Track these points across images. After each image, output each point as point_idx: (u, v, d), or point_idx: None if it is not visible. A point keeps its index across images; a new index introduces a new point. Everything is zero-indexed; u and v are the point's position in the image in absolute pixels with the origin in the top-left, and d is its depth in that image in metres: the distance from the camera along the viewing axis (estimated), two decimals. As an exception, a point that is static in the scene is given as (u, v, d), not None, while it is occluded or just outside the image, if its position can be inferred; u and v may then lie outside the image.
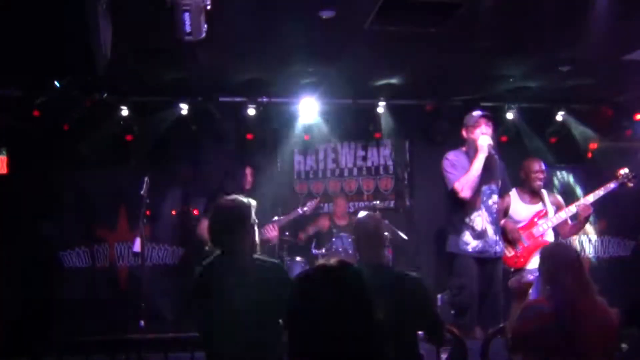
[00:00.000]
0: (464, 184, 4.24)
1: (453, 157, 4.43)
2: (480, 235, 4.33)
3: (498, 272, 4.44)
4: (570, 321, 2.72)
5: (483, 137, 4.30)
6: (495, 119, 6.78)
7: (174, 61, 5.41)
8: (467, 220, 4.35)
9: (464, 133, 4.49)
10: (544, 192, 4.94)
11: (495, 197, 4.44)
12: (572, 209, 4.81)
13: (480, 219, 4.33)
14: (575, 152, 7.21)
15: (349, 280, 2.39)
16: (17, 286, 5.92)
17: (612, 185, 4.85)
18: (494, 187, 4.44)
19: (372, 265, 2.91)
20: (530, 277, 4.29)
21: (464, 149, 4.50)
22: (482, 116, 4.41)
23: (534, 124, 7.18)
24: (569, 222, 4.92)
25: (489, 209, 4.38)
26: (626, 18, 4.54)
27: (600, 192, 4.83)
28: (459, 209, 4.38)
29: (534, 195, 4.92)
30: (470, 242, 4.33)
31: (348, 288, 2.64)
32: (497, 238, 4.39)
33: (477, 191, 4.31)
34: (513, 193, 4.96)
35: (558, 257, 2.90)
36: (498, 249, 4.39)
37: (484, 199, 4.37)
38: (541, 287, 2.92)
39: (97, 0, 3.24)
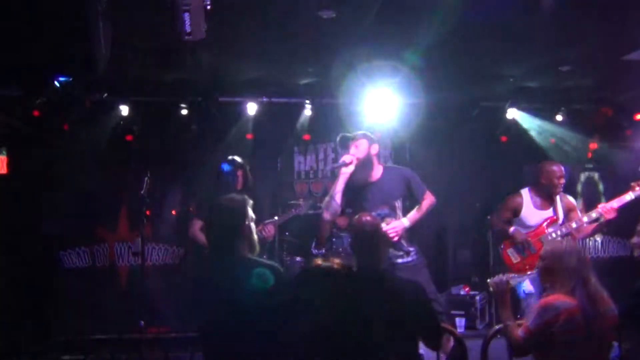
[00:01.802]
0: (324, 205, 4.28)
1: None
2: None
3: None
4: (594, 316, 2.80)
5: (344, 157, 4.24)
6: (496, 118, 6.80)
7: (174, 61, 5.41)
8: None
9: None
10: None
11: (389, 220, 4.27)
12: (585, 219, 4.70)
13: None
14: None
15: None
16: (17, 286, 5.92)
17: (628, 198, 4.66)
18: (386, 210, 4.31)
19: (370, 270, 2.92)
20: (516, 279, 4.13)
21: None
22: (339, 141, 4.42)
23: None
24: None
25: None
26: (626, 18, 4.54)
27: (614, 204, 4.66)
28: None
29: (546, 199, 4.78)
30: None
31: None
32: (407, 256, 4.30)
33: None
34: (525, 194, 4.82)
35: (578, 253, 2.98)
36: (400, 260, 4.29)
37: None
38: (567, 283, 2.91)
39: (97, 0, 3.24)
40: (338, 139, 4.50)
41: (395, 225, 4.23)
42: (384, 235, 3.05)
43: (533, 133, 6.96)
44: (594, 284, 2.88)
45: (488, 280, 3.33)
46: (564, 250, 3.01)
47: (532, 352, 2.95)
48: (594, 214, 4.66)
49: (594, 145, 7.19)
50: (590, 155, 7.26)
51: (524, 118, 6.94)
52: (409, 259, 4.33)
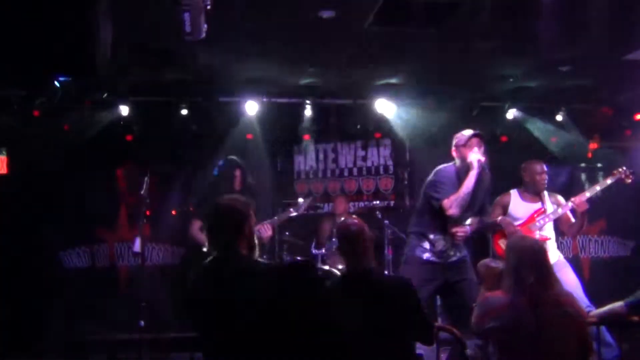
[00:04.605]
0: (452, 201, 4.18)
1: (444, 172, 4.38)
2: (438, 254, 4.30)
3: (460, 274, 4.30)
4: (529, 315, 2.66)
5: (474, 154, 4.22)
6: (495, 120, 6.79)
7: (174, 61, 5.41)
8: (430, 236, 4.31)
9: (454, 153, 4.40)
10: (545, 192, 4.92)
11: (466, 223, 4.38)
12: (569, 204, 4.79)
13: (442, 243, 4.29)
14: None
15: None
16: (17, 286, 5.91)
17: (608, 182, 4.80)
18: (468, 214, 4.37)
19: (357, 272, 2.93)
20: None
21: (454, 165, 4.41)
22: (473, 136, 4.31)
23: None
24: (572, 219, 4.87)
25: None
26: (626, 18, 4.54)
27: (596, 188, 4.77)
28: (429, 221, 4.35)
29: (534, 195, 4.90)
30: (426, 252, 4.30)
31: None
32: (459, 253, 4.33)
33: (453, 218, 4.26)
34: (514, 192, 4.95)
35: (521, 249, 2.87)
36: (455, 259, 4.32)
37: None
38: (509, 280, 2.87)
39: (97, 0, 3.25)
40: (475, 133, 4.33)
41: (465, 230, 4.30)
42: (370, 236, 3.05)
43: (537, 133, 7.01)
44: (531, 284, 2.71)
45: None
46: (509, 245, 2.97)
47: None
48: (587, 194, 4.73)
49: (594, 145, 7.19)
50: (590, 155, 7.27)
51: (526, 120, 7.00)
52: (457, 258, 4.34)
